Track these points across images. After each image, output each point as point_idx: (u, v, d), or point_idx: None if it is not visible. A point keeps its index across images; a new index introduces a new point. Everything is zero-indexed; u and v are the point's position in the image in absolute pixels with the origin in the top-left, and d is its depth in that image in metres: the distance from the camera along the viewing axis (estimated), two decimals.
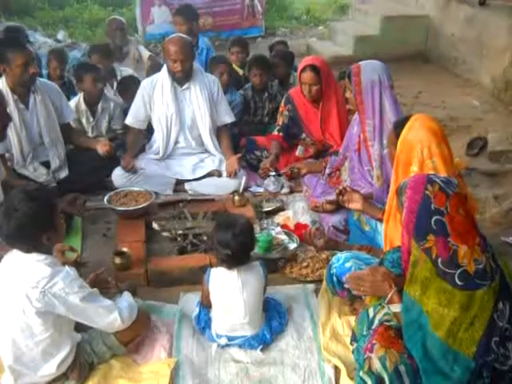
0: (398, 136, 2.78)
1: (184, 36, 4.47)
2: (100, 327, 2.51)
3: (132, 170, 4.27)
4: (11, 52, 3.85)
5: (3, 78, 3.95)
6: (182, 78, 4.31)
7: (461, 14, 7.17)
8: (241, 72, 5.62)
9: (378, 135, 3.48)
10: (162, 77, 4.37)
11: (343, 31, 8.63)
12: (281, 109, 4.66)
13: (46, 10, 10.57)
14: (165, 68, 4.38)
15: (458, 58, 7.31)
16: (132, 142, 4.60)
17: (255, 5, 9.57)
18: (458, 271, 2.04)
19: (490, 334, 2.04)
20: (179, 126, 4.43)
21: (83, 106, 4.76)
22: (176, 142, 4.49)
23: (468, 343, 2.03)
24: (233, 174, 4.30)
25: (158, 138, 4.49)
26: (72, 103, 4.68)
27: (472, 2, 6.84)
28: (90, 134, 4.79)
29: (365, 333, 2.33)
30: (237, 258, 2.66)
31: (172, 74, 4.30)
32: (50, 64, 5.47)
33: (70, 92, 5.00)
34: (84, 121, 4.78)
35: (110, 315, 2.46)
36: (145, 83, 4.46)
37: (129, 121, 4.52)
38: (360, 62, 3.57)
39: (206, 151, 4.55)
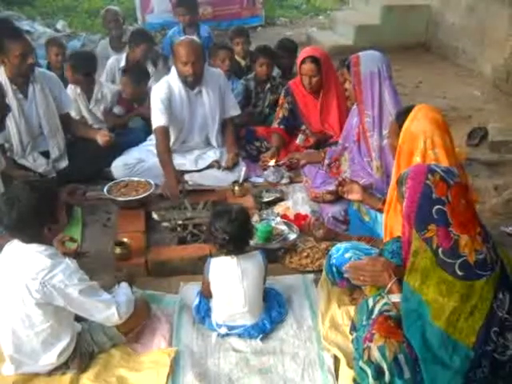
0: (400, 126, 2.77)
1: (194, 38, 4.37)
2: (97, 320, 2.52)
3: (181, 192, 3.90)
4: (9, 42, 3.82)
5: (2, 68, 3.92)
6: (192, 81, 4.17)
7: (462, 3, 7.13)
8: (243, 63, 5.60)
9: (377, 126, 3.47)
10: (173, 81, 4.23)
11: (343, 21, 8.60)
12: (280, 101, 4.65)
13: None
14: (173, 72, 4.25)
15: (458, 48, 7.28)
16: (165, 149, 4.06)
17: None
18: (459, 261, 2.04)
19: (489, 324, 2.04)
20: (190, 130, 4.39)
21: (79, 90, 4.79)
22: (183, 142, 4.46)
23: (468, 333, 2.04)
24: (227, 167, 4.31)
25: None
26: (69, 88, 4.70)
27: None
28: (87, 119, 4.83)
29: (364, 322, 2.33)
30: (234, 242, 2.68)
31: (183, 77, 4.17)
32: (49, 53, 5.46)
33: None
34: (80, 104, 4.80)
35: (108, 310, 2.47)
36: (158, 88, 4.22)
37: (159, 123, 4.10)
38: (359, 53, 3.55)
39: (209, 145, 4.54)
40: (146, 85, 5.09)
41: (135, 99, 5.05)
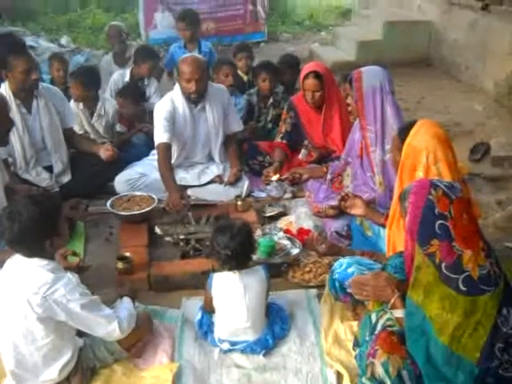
0: (402, 141, 2.78)
1: (198, 56, 4.40)
2: (99, 335, 2.51)
3: (185, 206, 3.87)
4: (13, 58, 3.86)
5: (6, 83, 3.96)
6: (196, 98, 4.18)
7: (463, 20, 7.17)
8: (245, 78, 5.63)
9: (379, 141, 3.48)
10: (177, 97, 4.24)
11: (346, 36, 8.65)
12: (283, 116, 4.68)
13: (49, 15, 10.61)
14: (177, 88, 4.26)
15: (460, 63, 7.31)
16: (167, 166, 4.07)
17: (258, 10, 9.59)
18: (462, 276, 2.03)
19: (493, 340, 2.03)
20: (193, 146, 4.40)
21: (81, 106, 4.82)
22: (186, 157, 4.46)
23: (472, 349, 2.02)
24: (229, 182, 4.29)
25: None
26: (71, 103, 4.73)
27: (474, 8, 6.85)
28: (89, 132, 4.87)
29: (367, 338, 2.32)
30: (237, 258, 2.67)
31: (186, 94, 4.17)
32: (52, 69, 5.50)
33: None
34: (83, 119, 4.83)
35: (109, 325, 2.46)
36: (161, 105, 4.24)
37: (161, 139, 4.11)
38: (361, 68, 3.57)
39: (212, 160, 4.54)
40: (141, 104, 5.17)
41: (134, 117, 5.08)
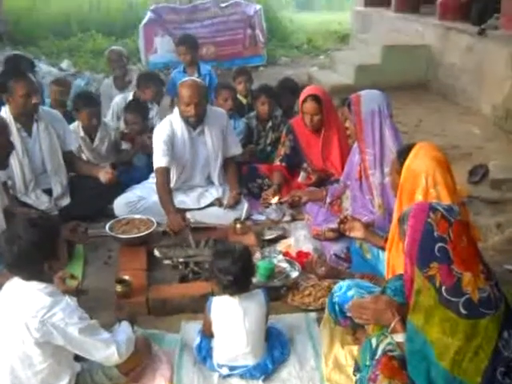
0: (402, 164, 2.79)
1: (198, 80, 4.44)
2: (97, 360, 2.48)
3: (186, 227, 3.89)
4: (14, 82, 3.90)
5: (7, 106, 3.98)
6: (194, 121, 4.20)
7: (460, 44, 7.25)
8: (244, 101, 5.67)
9: (378, 164, 3.48)
10: (176, 121, 4.26)
11: (344, 60, 8.73)
12: (282, 139, 4.70)
13: (50, 39, 10.72)
14: (176, 112, 4.28)
15: (458, 87, 7.37)
16: (166, 190, 4.07)
17: (257, 34, 9.69)
18: (463, 299, 2.02)
19: (495, 364, 2.01)
20: (192, 169, 4.41)
21: (82, 133, 4.82)
22: (185, 181, 4.47)
23: (473, 373, 2.01)
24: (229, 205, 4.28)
25: None
26: (71, 128, 4.74)
27: (471, 32, 6.94)
28: (90, 159, 4.85)
29: (368, 363, 2.30)
30: (239, 283, 2.66)
31: (185, 118, 4.19)
32: (51, 92, 5.54)
33: (72, 120, 5.02)
34: (83, 145, 4.83)
35: (108, 350, 2.43)
36: (160, 129, 4.25)
37: (160, 163, 4.12)
38: (359, 92, 3.60)
39: (211, 183, 4.54)
40: (147, 119, 5.25)
41: (140, 135, 5.11)
